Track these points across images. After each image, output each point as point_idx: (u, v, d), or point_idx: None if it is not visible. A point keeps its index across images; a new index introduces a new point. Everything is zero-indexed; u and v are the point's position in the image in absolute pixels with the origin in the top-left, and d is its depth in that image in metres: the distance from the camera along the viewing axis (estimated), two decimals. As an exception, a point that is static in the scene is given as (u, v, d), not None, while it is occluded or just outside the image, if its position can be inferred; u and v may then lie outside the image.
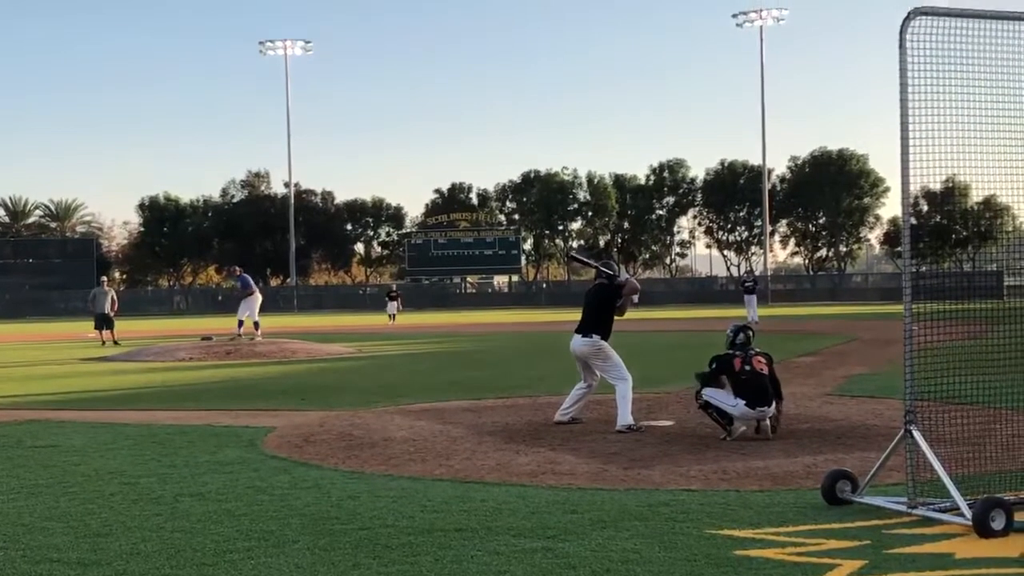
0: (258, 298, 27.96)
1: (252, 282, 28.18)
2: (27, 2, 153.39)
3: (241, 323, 27.05)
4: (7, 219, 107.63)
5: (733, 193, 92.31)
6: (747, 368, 10.53)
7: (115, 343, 30.58)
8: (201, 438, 10.88)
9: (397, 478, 8.51)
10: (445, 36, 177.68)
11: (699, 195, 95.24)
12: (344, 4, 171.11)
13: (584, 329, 11.57)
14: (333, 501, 7.54)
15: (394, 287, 69.13)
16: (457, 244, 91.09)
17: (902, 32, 6.58)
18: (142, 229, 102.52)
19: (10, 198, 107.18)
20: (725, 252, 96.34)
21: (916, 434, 6.81)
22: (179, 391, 16.98)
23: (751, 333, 11.14)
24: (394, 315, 51.83)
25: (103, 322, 32.03)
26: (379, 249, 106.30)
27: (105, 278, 38.37)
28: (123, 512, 7.28)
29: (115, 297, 33.15)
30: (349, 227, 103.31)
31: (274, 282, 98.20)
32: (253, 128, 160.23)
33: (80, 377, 20.16)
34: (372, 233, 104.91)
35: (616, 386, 11.33)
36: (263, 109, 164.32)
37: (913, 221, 7.07)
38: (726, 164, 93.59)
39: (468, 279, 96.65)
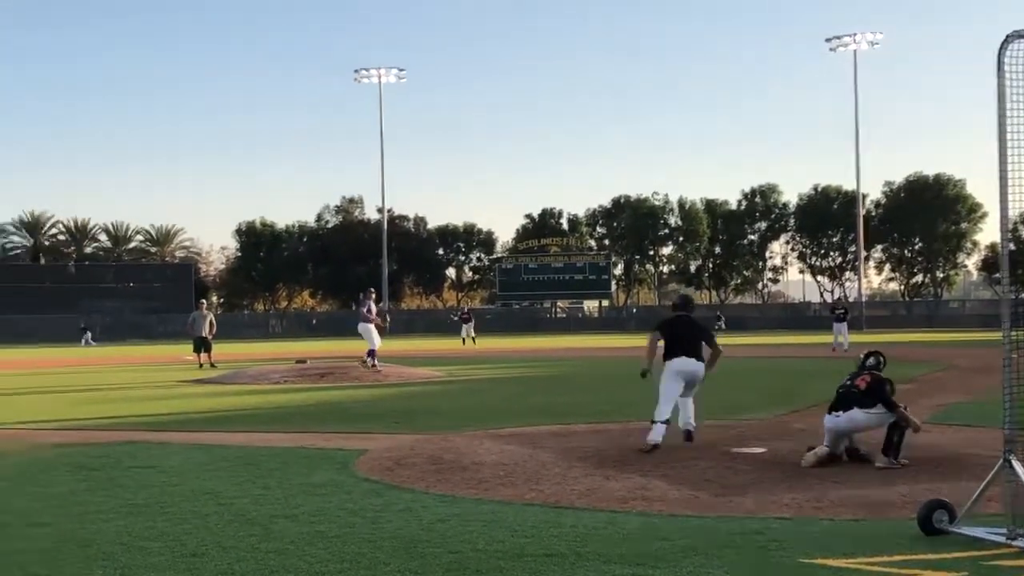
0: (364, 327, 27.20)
1: (365, 310, 27.31)
2: (126, 38, 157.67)
3: (371, 352, 26.41)
4: (109, 244, 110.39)
5: (827, 218, 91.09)
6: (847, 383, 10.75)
7: (212, 366, 31.10)
8: (295, 460, 11.03)
9: (487, 502, 8.54)
10: (535, 63, 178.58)
11: (792, 220, 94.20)
12: (437, 31, 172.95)
13: (696, 354, 12.27)
14: (424, 524, 7.58)
15: (465, 308, 69.40)
16: (548, 269, 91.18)
17: (1000, 56, 6.48)
18: (239, 254, 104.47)
19: (112, 224, 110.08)
20: (818, 278, 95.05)
21: (1016, 464, 6.66)
22: (274, 413, 17.21)
23: (882, 359, 11.12)
24: (473, 337, 51.68)
25: (201, 345, 32.61)
26: (470, 274, 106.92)
27: (204, 302, 39.09)
28: (219, 533, 7.40)
29: (214, 320, 33.73)
30: (441, 252, 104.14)
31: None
32: (347, 154, 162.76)
33: (178, 399, 20.55)
34: (463, 258, 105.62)
35: (689, 401, 12.35)
36: (357, 136, 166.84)
37: (1012, 247, 6.94)
38: (819, 189, 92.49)
39: (558, 304, 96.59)
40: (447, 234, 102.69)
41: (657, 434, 11.60)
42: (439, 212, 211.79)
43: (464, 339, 51.58)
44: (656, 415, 11.76)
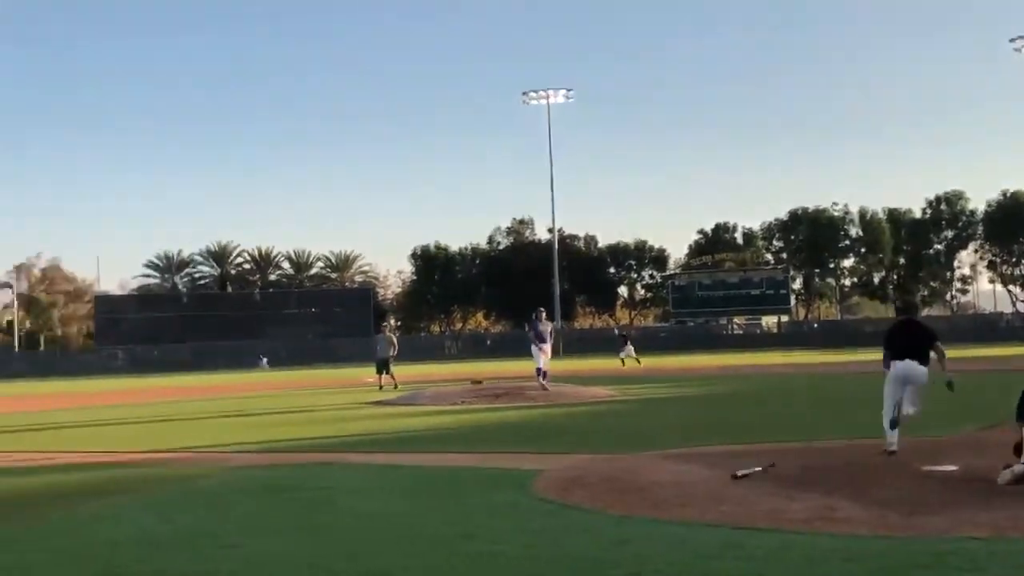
0: (535, 349, 27.29)
1: (537, 331, 27.62)
2: (287, 64, 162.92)
3: (540, 371, 26.54)
4: (292, 271, 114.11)
5: (1019, 225, 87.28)
6: None
7: (394, 387, 31.67)
8: (473, 480, 11.10)
9: (666, 523, 8.41)
10: (704, 77, 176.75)
11: (980, 228, 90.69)
12: (604, 50, 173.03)
13: (919, 358, 12.28)
14: (603, 545, 7.51)
15: (623, 329, 68.94)
16: (723, 285, 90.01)
17: None
18: (414, 277, 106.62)
19: (294, 251, 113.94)
20: (1010, 287, 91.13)
21: None
22: (451, 434, 17.40)
23: None
24: (634, 357, 50.40)
25: (383, 366, 33.23)
26: (643, 291, 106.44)
27: (387, 324, 39.91)
28: (401, 552, 7.48)
29: (395, 342, 34.38)
30: (612, 270, 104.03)
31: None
32: (517, 176, 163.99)
33: (359, 421, 20.97)
34: (635, 276, 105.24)
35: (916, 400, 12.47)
36: (527, 157, 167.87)
37: None
38: (1009, 195, 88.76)
39: (735, 320, 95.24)
40: (618, 252, 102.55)
41: (892, 438, 11.84)
42: (610, 230, 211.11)
43: (623, 360, 50.58)
44: (885, 424, 12.03)
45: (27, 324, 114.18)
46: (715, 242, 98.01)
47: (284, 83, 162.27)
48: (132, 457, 15.33)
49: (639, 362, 49.76)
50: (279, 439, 17.25)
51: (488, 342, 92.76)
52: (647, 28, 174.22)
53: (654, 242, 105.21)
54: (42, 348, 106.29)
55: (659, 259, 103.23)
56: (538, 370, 26.72)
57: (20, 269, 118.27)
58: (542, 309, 29.03)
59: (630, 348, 51.56)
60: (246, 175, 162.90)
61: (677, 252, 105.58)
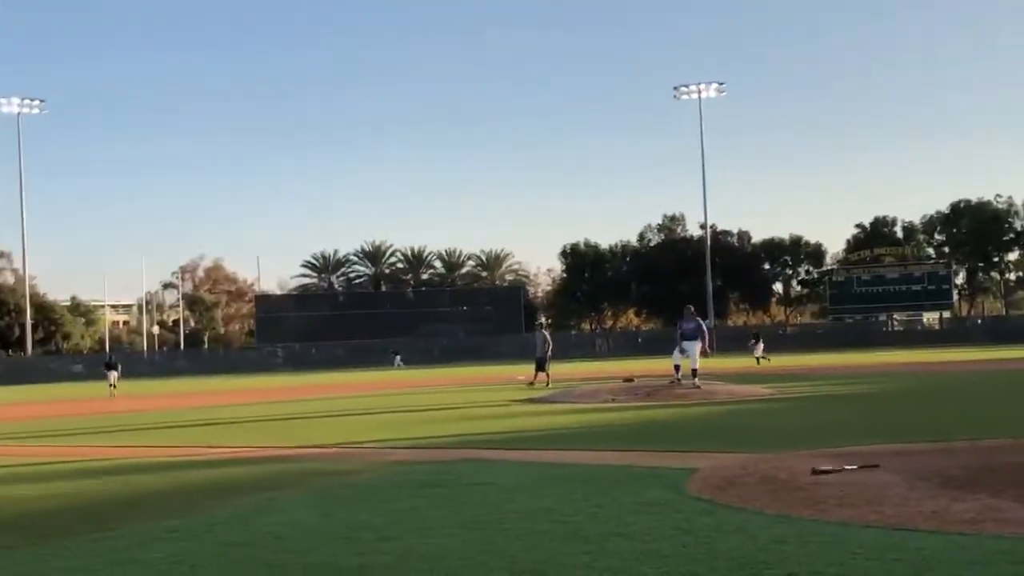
0: (685, 346, 27.16)
1: (684, 330, 27.49)
2: (441, 66, 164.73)
3: (695, 371, 26.53)
4: (444, 271, 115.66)
5: None
6: None
7: (545, 385, 31.79)
8: (626, 478, 11.05)
9: (825, 523, 8.21)
10: (857, 71, 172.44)
11: None
12: (756, 43, 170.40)
13: None
14: (759, 545, 7.39)
15: (754, 328, 68.79)
16: (882, 280, 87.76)
17: None
18: (564, 275, 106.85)
19: (446, 251, 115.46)
20: None
21: None
22: (604, 431, 17.36)
23: None
24: (766, 357, 50.85)
25: (541, 364, 33.44)
26: (798, 288, 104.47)
27: (541, 322, 40.09)
28: (554, 550, 7.49)
29: (549, 340, 34.55)
30: (767, 266, 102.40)
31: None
32: (668, 172, 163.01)
33: (511, 418, 21.11)
34: (791, 272, 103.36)
35: None
36: (678, 152, 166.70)
37: None
38: None
39: (894, 316, 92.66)
40: (773, 248, 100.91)
41: None
42: (763, 226, 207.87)
43: (758, 359, 50.37)
44: None
45: (191, 323, 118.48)
46: (874, 236, 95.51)
47: (438, 87, 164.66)
48: (291, 452, 15.74)
49: (768, 360, 49.58)
50: (434, 435, 17.48)
51: (639, 339, 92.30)
52: (800, 20, 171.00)
53: (810, 237, 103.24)
54: (205, 346, 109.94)
55: (815, 254, 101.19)
56: (676, 367, 26.87)
57: (185, 270, 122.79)
58: (690, 306, 28.81)
59: (760, 347, 51.44)
60: (400, 176, 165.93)
61: (834, 247, 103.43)
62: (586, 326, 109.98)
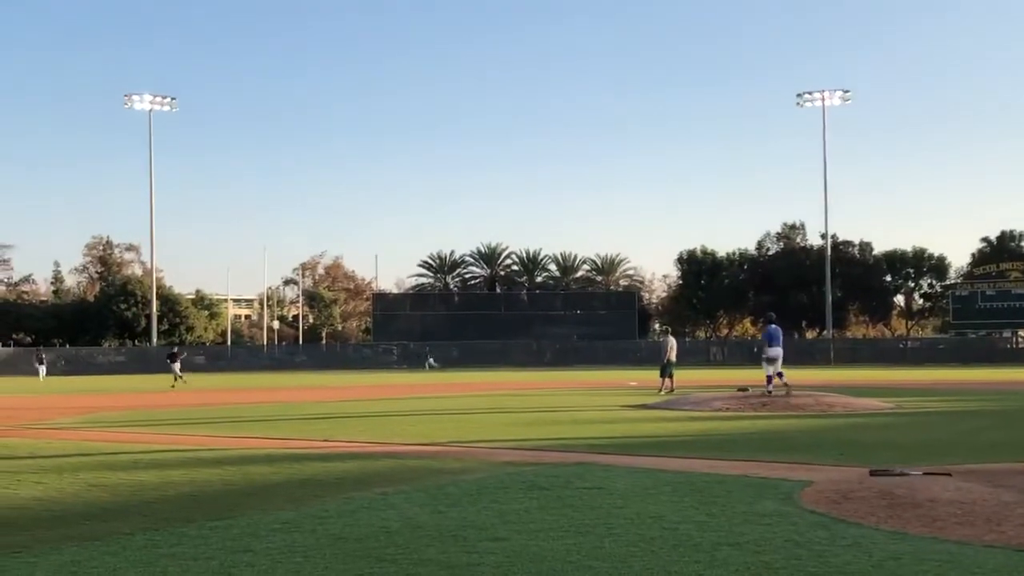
0: (768, 352, 27.98)
1: (772, 335, 28.37)
2: (561, 72, 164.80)
3: (769, 378, 27.08)
4: (558, 274, 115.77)
5: None
6: None
7: (662, 390, 31.55)
8: (738, 488, 10.92)
9: (942, 541, 8.01)
10: (985, 79, 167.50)
11: None
12: (883, 51, 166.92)
13: None
14: (874, 561, 7.23)
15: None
16: (1008, 296, 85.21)
17: None
18: (680, 282, 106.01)
19: (561, 254, 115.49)
20: None
21: None
22: (716, 440, 17.19)
23: None
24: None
25: (665, 369, 33.19)
26: (920, 301, 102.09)
27: (667, 328, 39.81)
28: (663, 557, 7.44)
29: (674, 345, 34.33)
30: (888, 278, 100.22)
31: (809, 334, 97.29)
32: (788, 180, 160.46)
33: (623, 423, 21.04)
34: (913, 284, 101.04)
35: None
36: (799, 160, 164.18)
37: None
38: None
39: (1020, 333, 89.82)
40: (895, 259, 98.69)
41: None
42: (886, 237, 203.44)
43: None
44: None
45: (310, 319, 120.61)
46: (1000, 250, 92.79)
47: (561, 91, 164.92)
48: (402, 448, 15.91)
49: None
50: (544, 437, 17.50)
51: (755, 349, 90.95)
52: (928, 25, 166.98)
53: (933, 249, 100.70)
54: (323, 342, 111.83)
55: (939, 268, 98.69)
56: (768, 377, 27.11)
57: (305, 267, 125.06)
58: (772, 313, 29.59)
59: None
60: (517, 179, 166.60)
61: (958, 260, 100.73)
62: (701, 333, 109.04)
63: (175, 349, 54.72)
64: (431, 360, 79.31)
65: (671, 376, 32.89)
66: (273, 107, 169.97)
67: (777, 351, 27.75)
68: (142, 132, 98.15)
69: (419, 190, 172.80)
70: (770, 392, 26.47)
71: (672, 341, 34.59)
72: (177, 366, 49.56)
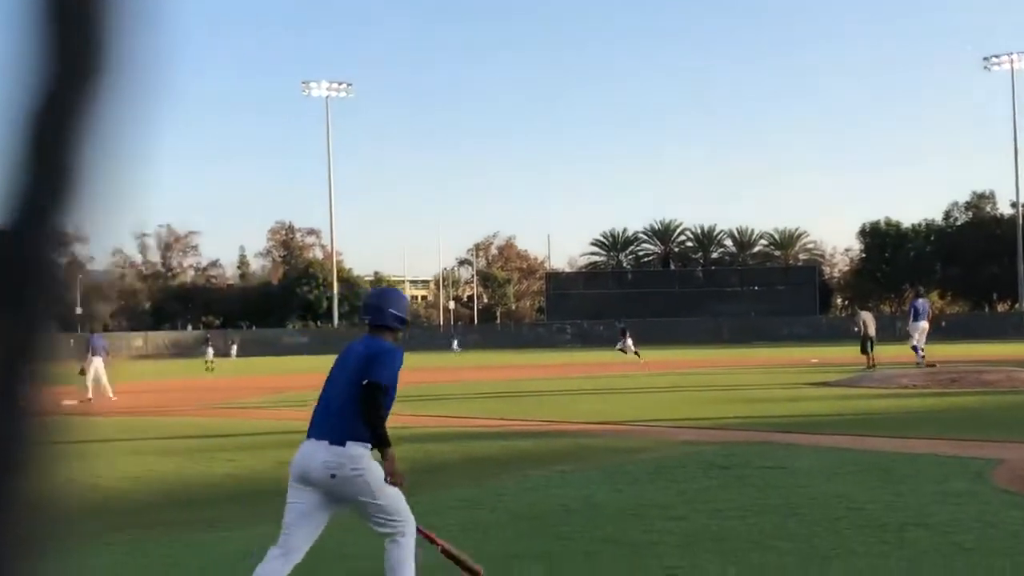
0: (916, 326, 28.70)
1: (919, 309, 29.07)
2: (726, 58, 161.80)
3: (915, 348, 27.90)
4: (734, 249, 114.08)
5: None
6: None
7: (872, 367, 30.46)
8: (927, 467, 10.58)
9: None
10: None
11: None
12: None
13: None
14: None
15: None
16: None
17: None
18: (863, 255, 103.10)
19: (737, 229, 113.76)
20: None
21: None
22: (903, 418, 16.67)
23: None
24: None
25: (868, 345, 32.20)
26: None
27: (860, 304, 38.76)
28: (849, 538, 7.26)
29: (866, 321, 33.25)
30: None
31: (1000, 307, 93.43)
32: (976, 147, 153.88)
33: (804, 401, 20.62)
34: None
35: None
36: (987, 126, 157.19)
37: None
38: None
39: None
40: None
41: None
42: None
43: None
44: None
45: (484, 299, 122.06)
46: None
47: (731, 66, 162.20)
48: (578, 427, 15.97)
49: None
50: (724, 416, 17.29)
51: (943, 323, 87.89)
52: None
53: None
54: (497, 321, 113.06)
55: None
56: (914, 347, 27.70)
57: (479, 247, 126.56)
58: (920, 287, 30.19)
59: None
60: (689, 155, 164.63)
61: None
62: (886, 308, 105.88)
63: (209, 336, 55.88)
64: (456, 344, 78.89)
65: (870, 351, 31.82)
66: (451, 95, 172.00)
67: (921, 324, 28.30)
68: (319, 118, 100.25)
69: (590, 167, 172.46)
70: (922, 359, 27.47)
71: (867, 315, 33.67)
72: (210, 351, 51.16)
